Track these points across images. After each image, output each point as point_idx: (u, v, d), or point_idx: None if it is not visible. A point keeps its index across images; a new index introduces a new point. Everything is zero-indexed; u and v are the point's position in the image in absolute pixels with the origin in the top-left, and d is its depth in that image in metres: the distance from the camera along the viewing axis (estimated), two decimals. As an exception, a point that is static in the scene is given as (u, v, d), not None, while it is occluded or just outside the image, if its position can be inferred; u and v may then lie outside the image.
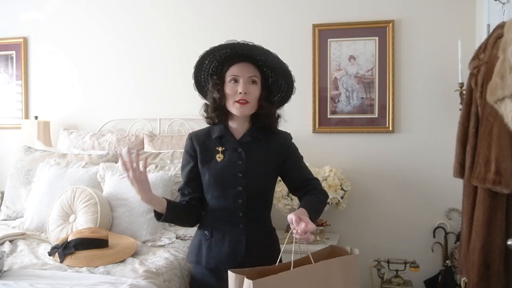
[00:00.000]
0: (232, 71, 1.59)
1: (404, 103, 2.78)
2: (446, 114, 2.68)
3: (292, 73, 1.67)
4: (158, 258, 1.94)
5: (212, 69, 1.66)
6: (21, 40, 3.33)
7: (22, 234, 2.30)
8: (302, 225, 1.31)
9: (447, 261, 2.61)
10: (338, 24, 2.83)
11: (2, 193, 2.93)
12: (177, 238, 2.24)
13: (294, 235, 1.34)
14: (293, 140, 1.72)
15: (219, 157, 1.60)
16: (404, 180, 2.78)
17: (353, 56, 2.82)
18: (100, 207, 2.21)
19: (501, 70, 1.61)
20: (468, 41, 2.56)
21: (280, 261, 1.37)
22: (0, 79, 3.41)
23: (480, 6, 2.53)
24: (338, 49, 2.84)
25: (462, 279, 1.84)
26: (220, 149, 1.61)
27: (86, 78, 3.25)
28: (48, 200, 2.40)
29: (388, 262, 2.60)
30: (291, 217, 1.35)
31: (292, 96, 1.72)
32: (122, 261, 1.91)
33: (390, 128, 2.77)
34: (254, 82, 1.59)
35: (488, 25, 2.17)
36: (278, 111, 1.70)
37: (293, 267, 1.31)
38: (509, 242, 1.60)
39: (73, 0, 3.25)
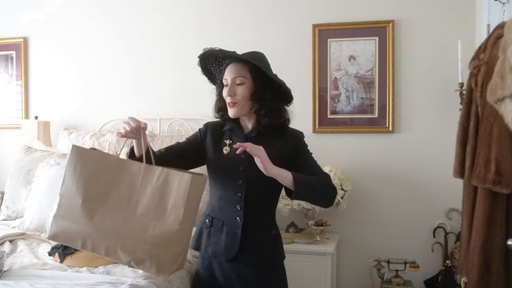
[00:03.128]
0: (224, 75, 1.63)
1: (404, 103, 2.78)
2: (446, 114, 2.68)
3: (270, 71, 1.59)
4: (158, 258, 1.94)
5: (219, 72, 1.71)
6: (21, 40, 3.33)
7: (22, 234, 2.30)
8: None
9: (447, 261, 2.61)
10: (338, 24, 2.83)
11: (2, 193, 2.93)
12: (177, 238, 2.24)
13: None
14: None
15: (225, 150, 1.64)
16: (404, 180, 2.78)
17: (353, 56, 2.82)
18: (100, 207, 2.21)
19: (501, 70, 1.60)
20: (468, 41, 2.56)
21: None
22: (0, 79, 3.41)
23: (480, 6, 2.53)
24: (338, 49, 2.84)
25: (462, 279, 1.84)
26: (227, 142, 1.65)
27: (86, 78, 3.25)
28: (48, 200, 2.40)
29: (388, 262, 2.60)
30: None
31: (290, 90, 1.62)
32: (122, 261, 1.91)
33: (390, 128, 2.77)
34: (240, 82, 1.57)
35: (488, 25, 2.17)
36: (289, 111, 1.65)
37: (144, 162, 1.46)
38: (509, 242, 1.60)
39: (73, 0, 3.25)
